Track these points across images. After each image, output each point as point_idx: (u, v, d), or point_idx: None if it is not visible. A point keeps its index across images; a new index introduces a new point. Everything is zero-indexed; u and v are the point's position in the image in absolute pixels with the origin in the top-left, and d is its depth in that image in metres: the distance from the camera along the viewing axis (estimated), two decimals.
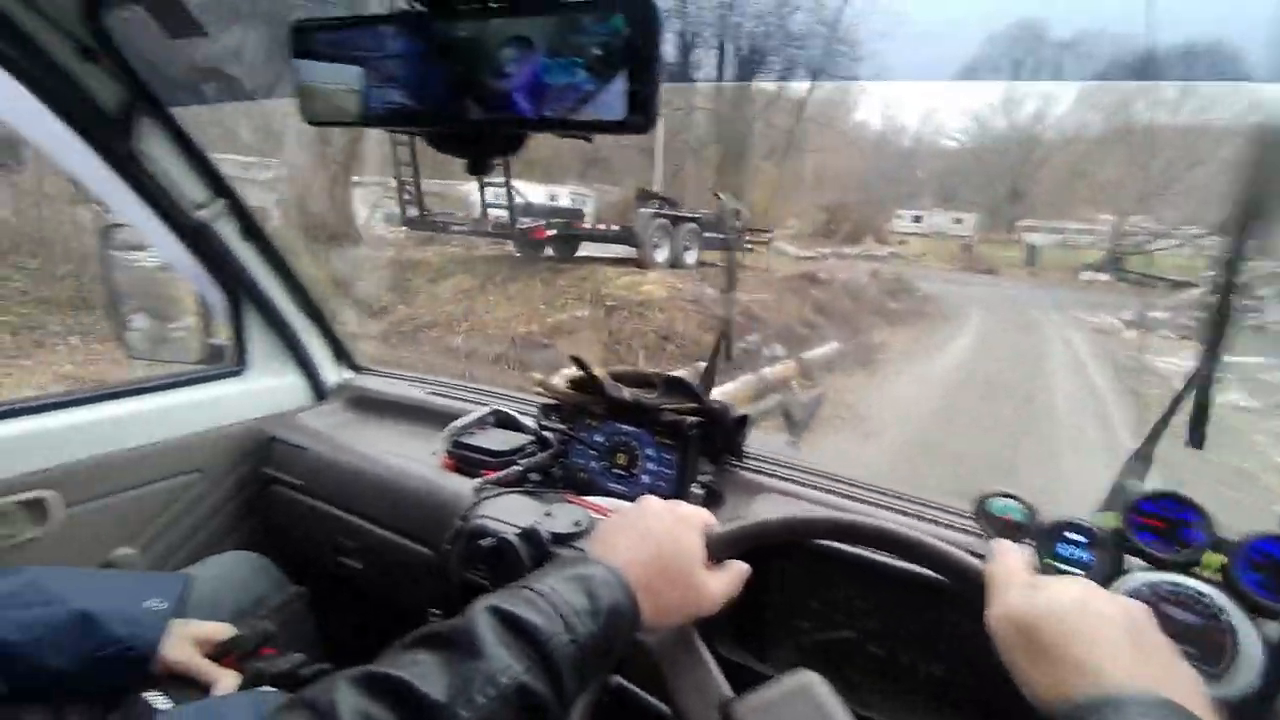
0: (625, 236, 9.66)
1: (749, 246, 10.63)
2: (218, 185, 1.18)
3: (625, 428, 1.07)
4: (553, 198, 9.90)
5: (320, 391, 1.49)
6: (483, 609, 0.47)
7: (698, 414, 1.02)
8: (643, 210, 9.64)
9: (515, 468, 1.10)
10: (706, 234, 10.16)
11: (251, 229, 1.26)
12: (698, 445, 1.02)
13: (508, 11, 0.53)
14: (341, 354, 1.54)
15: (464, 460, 1.15)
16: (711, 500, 1.01)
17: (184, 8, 0.83)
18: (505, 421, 1.26)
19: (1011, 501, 0.81)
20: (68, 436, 1.09)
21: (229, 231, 1.23)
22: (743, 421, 1.03)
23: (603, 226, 10.31)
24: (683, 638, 0.62)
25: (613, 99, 0.49)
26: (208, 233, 1.20)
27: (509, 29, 0.53)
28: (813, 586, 0.88)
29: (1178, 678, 0.42)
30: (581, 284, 8.21)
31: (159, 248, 1.24)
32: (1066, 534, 0.77)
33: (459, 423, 1.21)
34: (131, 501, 1.17)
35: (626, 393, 1.03)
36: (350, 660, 0.93)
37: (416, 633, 0.47)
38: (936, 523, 0.89)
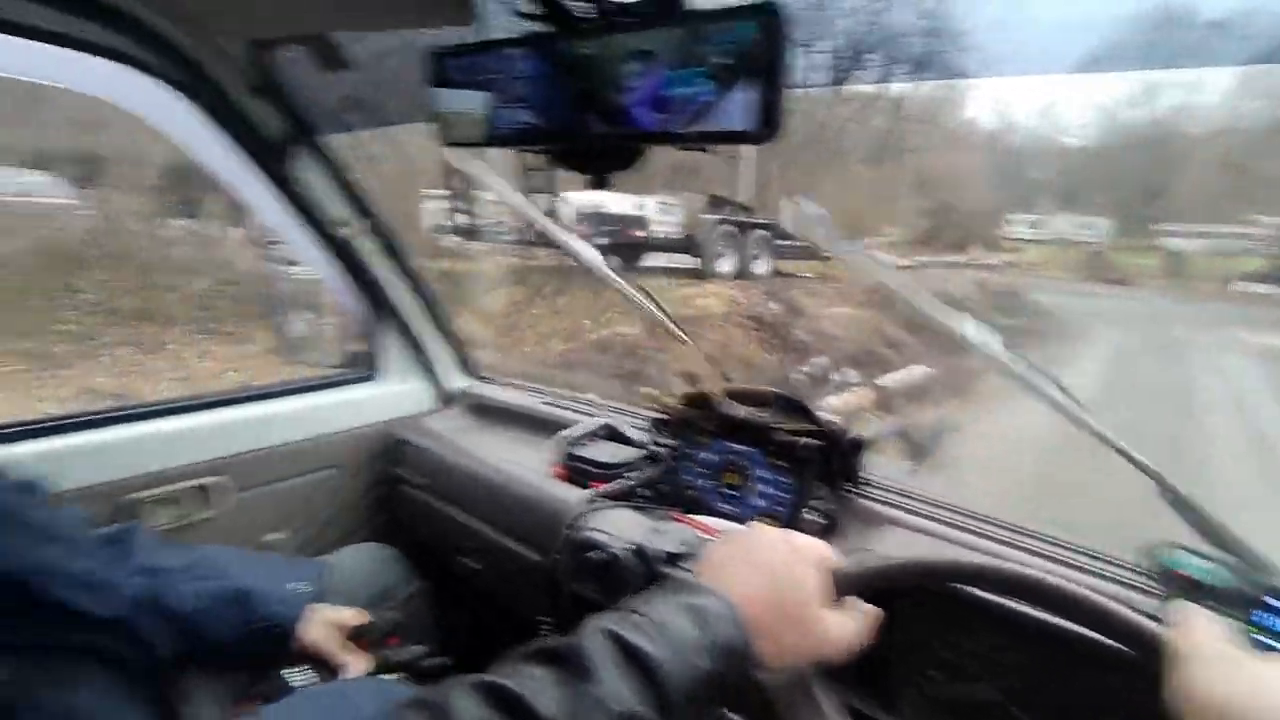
0: (687, 245, 9.13)
1: (827, 255, 9.89)
2: (361, 206, 1.29)
3: (737, 446, 1.03)
4: (639, 207, 9.45)
5: (444, 397, 1.58)
6: (597, 631, 0.46)
7: (813, 435, 0.97)
8: (705, 217, 9.09)
9: (624, 481, 1.09)
10: (779, 242, 9.48)
11: (389, 245, 1.36)
12: (813, 468, 0.97)
13: (634, 27, 0.53)
14: (464, 361, 1.62)
15: (575, 470, 1.17)
16: (828, 529, 0.95)
17: (335, 45, 0.90)
18: (615, 434, 1.26)
19: (1196, 558, 0.69)
20: (229, 431, 1.23)
21: (369, 247, 1.34)
22: (860, 445, 0.96)
23: (662, 234, 9.52)
24: (801, 681, 0.57)
25: (737, 109, 0.46)
26: (350, 248, 1.31)
27: (633, 43, 0.52)
28: (946, 632, 0.80)
29: None
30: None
31: (309, 261, 1.37)
32: (1270, 599, 0.65)
33: (569, 433, 1.23)
34: (281, 491, 1.30)
35: (739, 410, 1.00)
36: (466, 655, 0.97)
37: (532, 645, 0.47)
38: (1098, 575, 0.78)
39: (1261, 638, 0.64)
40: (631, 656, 0.45)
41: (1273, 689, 0.39)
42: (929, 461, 1.28)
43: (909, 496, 0.97)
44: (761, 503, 1.00)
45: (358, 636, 0.92)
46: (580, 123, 0.57)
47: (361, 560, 1.15)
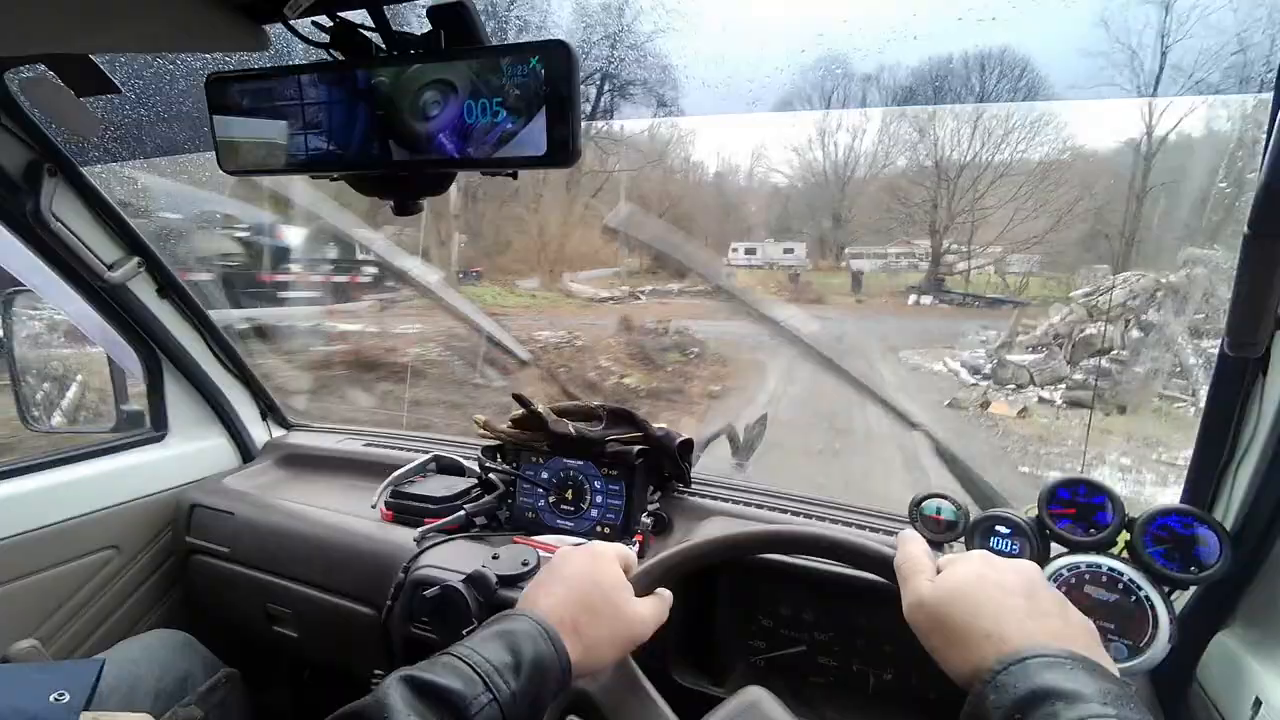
0: None
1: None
2: (133, 242, 1.14)
3: (571, 463, 1.06)
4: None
5: (247, 452, 1.42)
6: (395, 680, 0.46)
7: (642, 443, 1.03)
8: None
9: (459, 513, 1.07)
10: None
11: (169, 285, 1.21)
12: (644, 475, 1.03)
13: (426, 57, 0.55)
14: (270, 411, 1.48)
15: (405, 510, 1.11)
16: (660, 528, 1.01)
17: (94, 67, 0.81)
18: (448, 467, 1.23)
19: (944, 502, 0.85)
20: None
21: (145, 290, 1.19)
22: (688, 447, 1.05)
23: None
24: (625, 676, 0.61)
25: (537, 136, 0.51)
26: (123, 294, 1.15)
27: (429, 74, 0.55)
28: (761, 604, 0.89)
29: (1073, 628, 0.45)
30: None
31: (68, 313, 1.18)
32: (997, 528, 0.82)
33: (399, 472, 1.18)
34: (35, 586, 1.07)
35: (570, 427, 1.03)
36: None
37: (331, 717, 0.45)
38: (873, 529, 0.92)
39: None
40: (434, 696, 0.45)
41: (961, 580, 0.48)
42: (753, 454, 1.42)
43: (729, 488, 1.08)
44: (598, 514, 1.04)
45: None
46: (382, 150, 0.58)
47: (148, 651, 0.98)
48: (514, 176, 0.59)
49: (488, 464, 1.13)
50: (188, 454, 1.33)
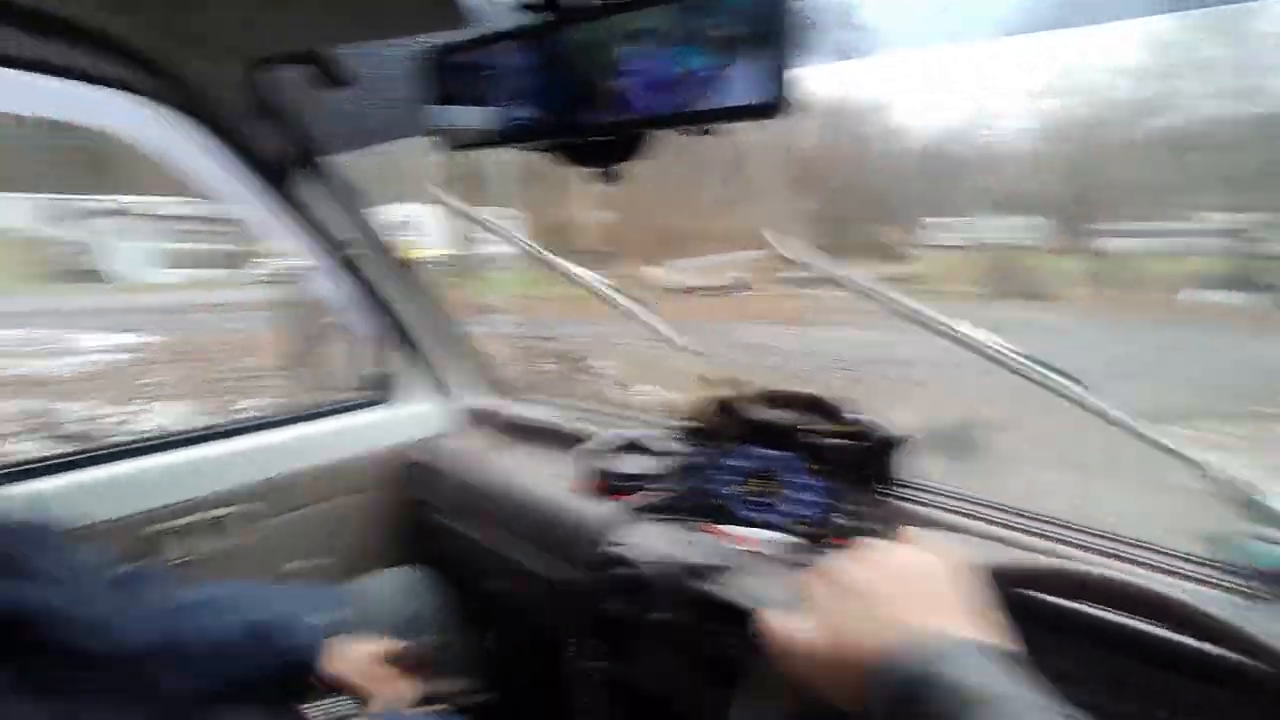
0: None
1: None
2: (365, 226, 1.27)
3: (764, 452, 0.98)
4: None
5: (460, 417, 1.55)
6: None
7: (845, 436, 0.92)
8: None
9: (649, 493, 1.05)
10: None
11: (396, 265, 1.34)
12: (846, 471, 0.92)
13: (630, 6, 0.49)
14: (478, 379, 1.60)
15: (599, 484, 1.13)
16: (862, 533, 0.90)
17: (334, 62, 0.88)
18: (638, 445, 1.22)
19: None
20: (248, 458, 1.21)
21: (377, 267, 1.32)
22: (893, 445, 0.91)
23: None
24: None
25: (744, 82, 0.43)
26: (359, 269, 1.30)
27: (629, 25, 0.49)
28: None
29: None
30: None
31: (323, 285, 1.36)
32: None
33: (594, 445, 1.19)
34: (299, 520, 1.27)
35: (768, 413, 0.95)
36: (503, 685, 0.92)
37: None
38: (1178, 574, 0.70)
39: None
40: None
41: None
42: (966, 459, 1.22)
43: (948, 495, 0.92)
44: (791, 509, 0.95)
45: (386, 665, 0.89)
46: (579, 115, 0.54)
47: (391, 586, 1.12)
48: (709, 132, 0.52)
49: (680, 446, 1.10)
50: (414, 415, 1.48)
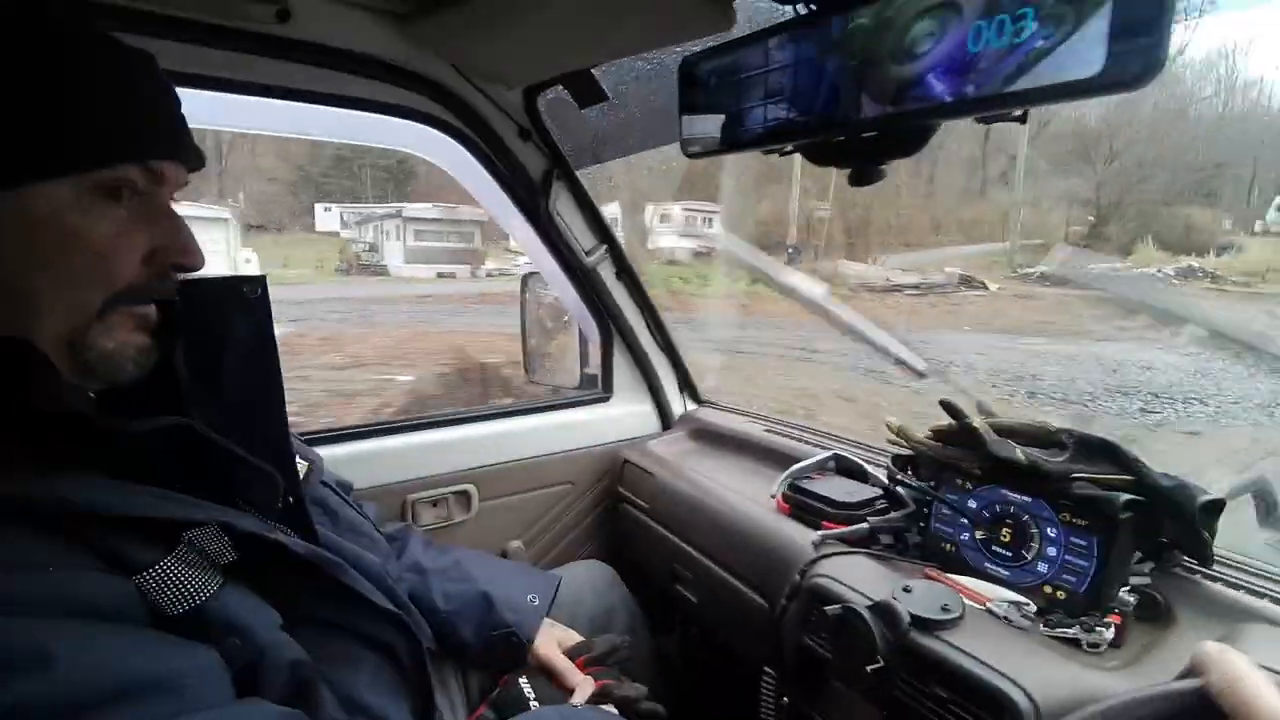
0: None
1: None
2: (603, 232, 1.36)
3: (1014, 496, 0.85)
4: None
5: (667, 421, 1.58)
6: None
7: (1127, 488, 0.75)
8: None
9: (862, 525, 0.96)
10: None
11: (624, 270, 1.42)
12: (1131, 534, 0.75)
13: None
14: (687, 386, 1.62)
15: (802, 506, 1.06)
16: (1153, 613, 0.73)
17: (593, 79, 0.96)
18: (849, 469, 1.14)
19: None
20: (482, 444, 1.35)
21: (608, 273, 1.41)
22: (1215, 510, 0.72)
23: None
24: None
25: (1085, 51, 0.36)
26: (593, 275, 1.39)
27: (913, 4, 0.45)
28: None
29: None
30: None
31: (557, 289, 1.49)
32: None
33: (799, 466, 1.14)
34: (520, 502, 1.39)
35: (1019, 451, 0.82)
36: (683, 699, 0.90)
37: None
38: None
39: None
40: None
41: None
42: None
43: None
44: (1048, 569, 0.80)
45: (577, 656, 0.92)
46: (847, 110, 0.51)
47: (587, 577, 1.15)
48: (1022, 120, 0.45)
49: (898, 475, 1.00)
50: (625, 415, 1.55)
